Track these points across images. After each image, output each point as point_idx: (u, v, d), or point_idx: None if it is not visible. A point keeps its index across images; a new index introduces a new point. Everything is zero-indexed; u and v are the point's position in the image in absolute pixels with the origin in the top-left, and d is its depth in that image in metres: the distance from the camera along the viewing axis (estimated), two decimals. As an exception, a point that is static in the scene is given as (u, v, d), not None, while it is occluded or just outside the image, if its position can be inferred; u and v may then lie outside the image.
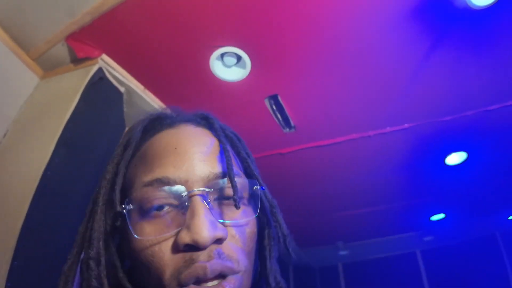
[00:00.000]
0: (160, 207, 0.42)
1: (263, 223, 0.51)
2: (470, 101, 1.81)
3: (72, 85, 1.36)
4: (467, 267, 4.17)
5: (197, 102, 1.66)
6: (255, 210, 0.48)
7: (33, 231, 1.10)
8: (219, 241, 0.40)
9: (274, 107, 1.70)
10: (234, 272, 0.40)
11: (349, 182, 2.44)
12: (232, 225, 0.43)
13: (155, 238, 0.41)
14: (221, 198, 0.45)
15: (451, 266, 4.23)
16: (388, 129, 1.90)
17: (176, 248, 0.40)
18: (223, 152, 0.47)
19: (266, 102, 1.67)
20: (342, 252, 4.08)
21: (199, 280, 0.38)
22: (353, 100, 1.71)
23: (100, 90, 1.40)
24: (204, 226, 0.38)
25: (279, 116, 1.75)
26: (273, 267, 0.50)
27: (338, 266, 4.61)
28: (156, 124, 0.52)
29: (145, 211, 0.43)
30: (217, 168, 0.45)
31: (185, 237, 0.39)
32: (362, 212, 2.97)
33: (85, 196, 1.35)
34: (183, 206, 0.42)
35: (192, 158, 0.44)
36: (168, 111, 0.57)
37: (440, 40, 1.42)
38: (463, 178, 2.63)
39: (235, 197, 0.42)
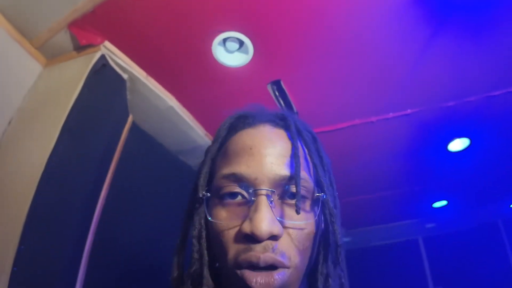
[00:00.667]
0: (233, 196, 0.50)
1: (321, 229, 0.55)
2: (473, 87, 1.80)
3: (75, 72, 1.37)
4: (469, 255, 4.19)
5: (200, 88, 1.66)
6: (315, 214, 0.52)
7: (39, 216, 1.12)
8: (275, 237, 0.46)
9: (277, 93, 1.70)
10: (284, 266, 0.46)
11: (351, 169, 2.45)
12: (290, 225, 0.48)
13: (224, 223, 0.49)
14: (285, 198, 0.50)
15: (453, 253, 4.25)
16: (391, 114, 1.90)
17: (239, 235, 0.47)
18: (293, 156, 0.51)
19: (269, 88, 1.67)
20: (344, 239, 4.12)
21: (253, 266, 0.45)
22: (355, 86, 1.70)
23: (103, 77, 1.41)
24: (262, 222, 0.44)
25: (281, 101, 1.75)
26: (325, 271, 0.54)
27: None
28: (239, 122, 0.59)
29: (220, 198, 0.51)
30: (285, 171, 0.49)
31: (246, 228, 0.45)
32: (364, 199, 2.99)
33: (90, 182, 1.38)
34: (250, 200, 0.48)
35: (263, 159, 0.49)
36: (252, 109, 0.62)
37: (442, 25, 1.41)
38: (465, 165, 2.63)
39: (297, 202, 0.47)
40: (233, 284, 0.47)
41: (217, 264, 0.53)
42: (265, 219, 0.44)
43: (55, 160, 1.19)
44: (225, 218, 0.49)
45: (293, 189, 0.49)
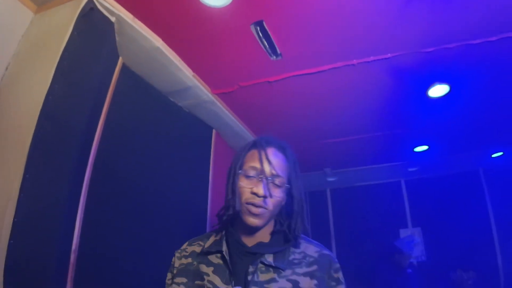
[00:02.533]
0: (250, 177, 0.99)
1: (286, 200, 1.04)
2: (452, 34, 1.85)
3: (65, 17, 1.43)
4: (449, 199, 4.42)
5: (185, 29, 1.71)
6: (284, 193, 1.02)
7: (40, 149, 1.25)
8: (265, 197, 0.96)
9: (260, 34, 1.74)
10: (267, 208, 0.97)
11: (335, 110, 2.56)
12: (274, 194, 0.99)
13: (245, 186, 0.99)
14: (273, 183, 0.99)
15: (433, 197, 4.48)
16: (371, 58, 1.96)
17: (250, 192, 0.97)
18: (285, 166, 1.04)
19: (252, 28, 1.71)
20: (330, 179, 4.32)
21: (253, 204, 0.96)
22: (338, 28, 1.75)
23: (91, 21, 1.47)
24: (261, 190, 0.96)
25: (265, 43, 1.80)
26: (286, 222, 1.04)
27: (326, 191, 4.90)
28: (257, 143, 1.05)
29: (245, 176, 1.00)
30: (276, 171, 1.00)
31: (254, 190, 0.97)
32: (348, 140, 3.13)
33: (85, 120, 1.49)
34: (258, 180, 0.98)
35: (268, 164, 1.00)
36: (264, 137, 1.08)
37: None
38: (445, 111, 2.71)
39: (278, 185, 1.00)
40: (244, 213, 0.98)
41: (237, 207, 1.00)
42: (262, 189, 0.97)
43: (52, 98, 1.30)
44: (245, 185, 0.99)
45: (278, 180, 1.00)
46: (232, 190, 1.01)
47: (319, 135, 3.04)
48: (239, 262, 0.99)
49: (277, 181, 1.00)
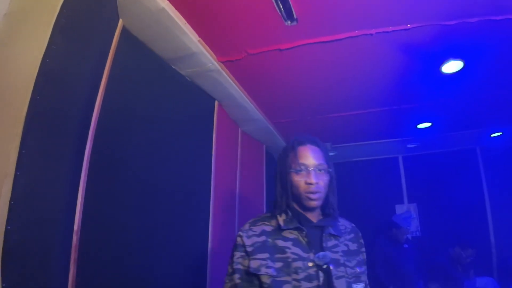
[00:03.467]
0: (300, 171, 1.24)
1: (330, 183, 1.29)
2: (478, 8, 1.74)
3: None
4: (444, 177, 4.46)
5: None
6: (328, 177, 1.27)
7: (38, 118, 1.12)
8: (317, 184, 1.22)
9: (277, -4, 1.60)
10: (320, 191, 1.23)
11: (345, 83, 2.45)
12: (322, 180, 1.24)
13: (300, 180, 1.24)
14: (319, 170, 1.24)
15: (430, 174, 4.51)
16: (391, 28, 1.84)
17: (304, 183, 1.23)
18: (321, 155, 1.28)
19: (269, -9, 1.56)
20: (330, 153, 4.28)
21: (311, 192, 1.22)
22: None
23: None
24: (313, 179, 1.21)
25: (281, 5, 1.65)
26: (330, 200, 1.29)
27: (325, 166, 4.88)
28: (295, 145, 1.28)
29: (296, 172, 1.24)
30: (318, 161, 1.24)
31: (308, 180, 1.22)
32: (354, 114, 3.05)
33: (85, 83, 1.36)
34: (307, 172, 1.23)
35: (311, 157, 1.24)
36: (298, 138, 1.31)
37: None
38: (455, 88, 2.65)
39: (323, 171, 1.25)
40: (302, 202, 1.24)
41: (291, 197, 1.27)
42: (313, 178, 1.21)
43: (49, 61, 1.16)
44: (297, 179, 1.24)
45: (322, 168, 1.24)
46: (288, 185, 1.26)
47: (325, 109, 2.94)
48: (311, 234, 1.23)
49: (320, 168, 1.24)
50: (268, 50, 2.00)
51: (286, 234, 1.23)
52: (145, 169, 1.76)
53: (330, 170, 1.27)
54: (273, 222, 1.27)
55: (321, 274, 1.16)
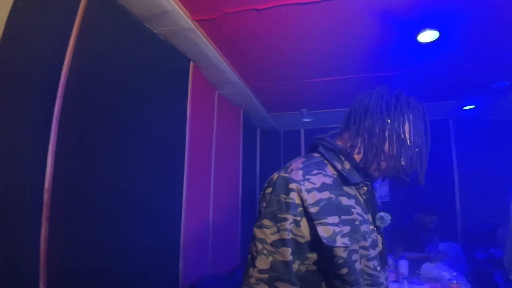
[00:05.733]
0: (410, 147, 0.99)
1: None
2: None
3: None
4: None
5: None
6: None
7: (4, 77, 1.10)
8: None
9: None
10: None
11: (322, 47, 2.43)
12: None
13: (399, 151, 0.99)
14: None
15: (402, 141, 4.62)
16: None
17: (401, 160, 0.98)
18: None
19: None
20: (306, 119, 4.31)
21: (400, 172, 1.00)
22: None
23: None
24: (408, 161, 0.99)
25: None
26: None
27: (301, 131, 4.95)
28: (426, 113, 1.05)
29: (405, 143, 0.98)
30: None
31: (407, 160, 0.99)
32: (330, 80, 3.05)
33: (52, 41, 1.32)
34: (412, 151, 0.99)
35: (428, 139, 1.03)
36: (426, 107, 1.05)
37: None
38: (430, 58, 2.66)
39: None
40: (376, 170, 1.00)
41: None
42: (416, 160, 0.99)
43: (16, 19, 1.12)
44: (401, 149, 0.98)
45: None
46: (383, 143, 0.96)
47: (302, 74, 2.93)
48: (368, 192, 1.01)
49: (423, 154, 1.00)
50: (244, 10, 1.95)
51: (347, 189, 0.96)
52: (116, 129, 1.74)
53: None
54: (330, 171, 0.96)
55: (380, 239, 0.99)
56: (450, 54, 2.62)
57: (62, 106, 1.35)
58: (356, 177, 0.97)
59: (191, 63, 2.51)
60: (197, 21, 2.06)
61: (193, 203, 2.41)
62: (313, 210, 0.86)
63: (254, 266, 0.85)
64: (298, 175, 0.89)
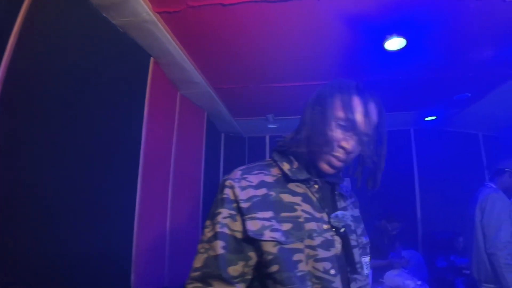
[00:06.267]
0: (343, 128, 0.92)
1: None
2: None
3: None
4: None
5: None
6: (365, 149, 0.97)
7: None
8: (351, 153, 0.93)
9: None
10: (347, 162, 0.95)
11: (289, 50, 2.37)
12: (358, 151, 0.95)
13: (333, 135, 0.91)
14: (362, 140, 0.93)
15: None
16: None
17: (338, 146, 0.92)
18: (375, 124, 0.97)
19: None
20: (271, 126, 4.25)
21: (337, 158, 0.93)
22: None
23: None
24: (351, 147, 0.92)
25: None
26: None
27: (266, 137, 4.90)
28: (360, 92, 0.96)
29: (337, 125, 0.92)
30: (369, 130, 0.95)
31: (344, 144, 0.91)
32: (296, 86, 2.99)
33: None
34: (350, 134, 0.92)
35: (368, 121, 0.93)
36: (367, 87, 0.99)
37: None
38: (396, 67, 2.69)
39: (364, 143, 0.95)
40: (321, 160, 0.94)
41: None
42: (353, 147, 0.93)
43: None
44: (337, 134, 0.91)
45: (365, 138, 0.95)
46: (317, 130, 0.92)
47: (269, 78, 2.85)
48: (323, 190, 0.98)
49: (365, 139, 0.93)
50: (210, 4, 1.84)
51: (293, 187, 0.94)
52: (61, 126, 1.57)
53: (371, 147, 0.97)
54: (275, 171, 0.97)
55: (338, 240, 0.92)
56: (416, 64, 2.65)
57: (1, 99, 1.20)
58: (301, 175, 0.95)
59: (152, 59, 2.35)
60: (158, 13, 1.92)
61: (148, 209, 2.23)
62: (244, 205, 0.87)
63: (191, 266, 0.89)
64: (236, 174, 0.93)
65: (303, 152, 0.94)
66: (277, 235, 0.84)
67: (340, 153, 0.91)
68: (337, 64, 2.60)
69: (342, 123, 0.91)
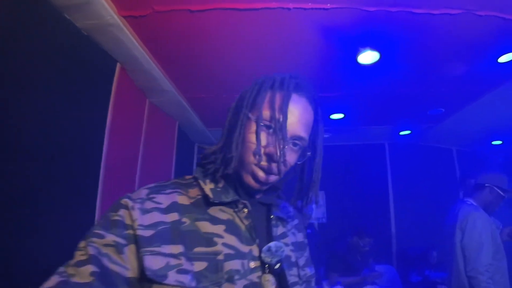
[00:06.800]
0: (267, 127, 0.74)
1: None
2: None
3: None
4: (353, 167, 4.67)
5: None
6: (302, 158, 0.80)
7: None
8: (279, 164, 0.71)
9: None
10: (277, 176, 0.74)
11: (261, 60, 2.31)
12: (290, 161, 0.75)
13: (255, 139, 0.72)
14: (294, 146, 0.76)
15: (339, 164, 4.64)
16: (310, 5, 1.74)
17: (263, 151, 0.72)
18: (311, 125, 0.80)
19: None
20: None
21: (263, 170, 0.73)
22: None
23: None
24: (277, 154, 0.71)
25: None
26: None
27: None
28: (284, 85, 0.77)
29: (261, 125, 0.73)
30: (302, 133, 0.76)
31: (268, 151, 0.71)
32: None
33: None
34: (276, 138, 0.72)
35: (297, 121, 0.74)
36: (294, 78, 0.81)
37: None
38: (369, 81, 2.68)
39: (297, 150, 0.78)
40: (246, 172, 0.75)
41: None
42: (281, 154, 0.71)
43: None
44: (259, 136, 0.71)
45: (298, 143, 0.77)
46: (238, 137, 0.73)
47: (242, 87, 2.74)
48: (254, 215, 0.76)
49: (298, 144, 0.75)
50: (177, 9, 1.77)
51: (215, 212, 0.73)
52: (22, 127, 1.46)
53: (309, 153, 0.79)
54: (194, 192, 0.76)
55: (271, 281, 0.70)
56: (390, 78, 2.65)
57: None
58: (227, 196, 0.74)
59: (118, 64, 2.24)
60: (124, 17, 1.83)
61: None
62: (144, 233, 0.64)
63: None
64: (141, 193, 0.71)
65: (225, 166, 0.74)
66: (185, 279, 0.62)
67: (265, 163, 0.71)
68: (310, 76, 2.55)
69: (266, 123, 0.72)
